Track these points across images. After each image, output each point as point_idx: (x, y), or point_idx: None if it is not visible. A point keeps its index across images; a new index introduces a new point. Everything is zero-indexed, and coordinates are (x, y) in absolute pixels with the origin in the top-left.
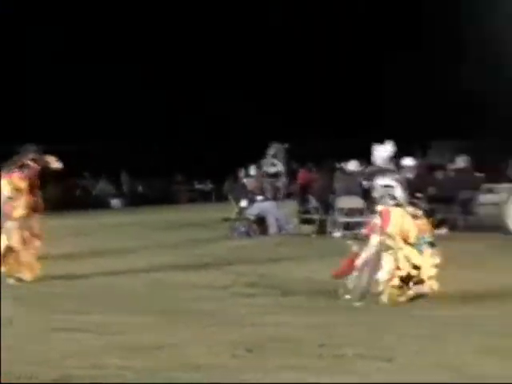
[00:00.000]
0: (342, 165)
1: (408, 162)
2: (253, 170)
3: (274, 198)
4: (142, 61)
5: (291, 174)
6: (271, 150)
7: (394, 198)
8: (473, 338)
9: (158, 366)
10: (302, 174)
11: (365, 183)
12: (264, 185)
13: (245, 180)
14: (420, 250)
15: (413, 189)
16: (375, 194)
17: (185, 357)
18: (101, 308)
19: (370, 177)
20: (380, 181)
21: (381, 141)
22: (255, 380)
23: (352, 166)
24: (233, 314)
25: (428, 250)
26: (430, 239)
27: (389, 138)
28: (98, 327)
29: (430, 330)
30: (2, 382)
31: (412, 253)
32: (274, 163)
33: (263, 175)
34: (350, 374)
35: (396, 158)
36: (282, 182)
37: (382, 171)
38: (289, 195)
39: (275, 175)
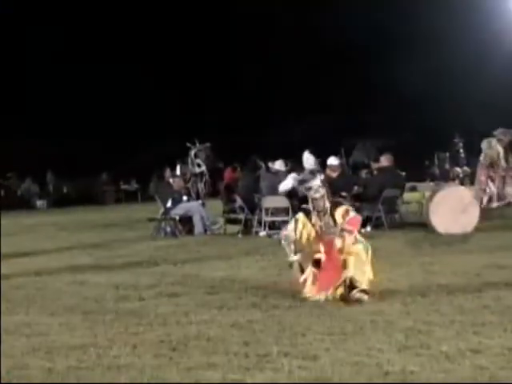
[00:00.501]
0: (269, 164)
1: (332, 161)
2: (178, 170)
3: (198, 198)
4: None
5: (217, 173)
6: (192, 150)
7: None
8: (395, 336)
9: (81, 366)
10: (228, 174)
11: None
12: (189, 184)
13: (170, 180)
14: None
15: (337, 188)
16: (315, 195)
17: (108, 357)
18: (24, 309)
19: (304, 182)
20: (315, 181)
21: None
22: (179, 379)
23: (277, 165)
24: (157, 313)
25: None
26: None
27: (313, 137)
28: (21, 328)
29: (354, 327)
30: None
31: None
32: (198, 163)
33: (188, 174)
34: (275, 372)
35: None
36: (204, 182)
37: (313, 173)
38: (214, 194)
39: (199, 175)
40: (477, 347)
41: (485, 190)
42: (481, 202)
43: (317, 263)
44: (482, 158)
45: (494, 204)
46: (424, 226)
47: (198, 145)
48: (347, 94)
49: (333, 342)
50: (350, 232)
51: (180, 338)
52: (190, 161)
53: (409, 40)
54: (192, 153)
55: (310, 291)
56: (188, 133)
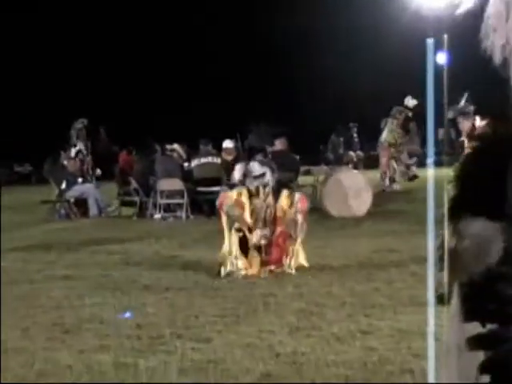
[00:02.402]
0: (167, 146)
1: (227, 143)
2: (73, 152)
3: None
4: None
5: (112, 156)
6: (73, 130)
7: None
8: (287, 318)
9: None
10: (123, 157)
11: (185, 165)
12: (84, 166)
13: (65, 161)
14: None
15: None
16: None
17: None
18: None
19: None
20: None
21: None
22: (71, 362)
23: (175, 148)
24: (50, 296)
25: None
26: None
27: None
28: None
29: (247, 310)
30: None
31: None
32: (75, 144)
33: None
34: (167, 355)
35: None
36: (87, 162)
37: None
38: (109, 177)
39: (77, 155)
40: (367, 329)
41: (386, 173)
42: (384, 185)
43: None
44: (381, 139)
45: (396, 186)
46: (318, 209)
47: (74, 124)
48: (243, 80)
49: (225, 325)
50: None
51: (73, 321)
52: (71, 141)
53: (307, 30)
54: (73, 132)
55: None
56: (84, 114)
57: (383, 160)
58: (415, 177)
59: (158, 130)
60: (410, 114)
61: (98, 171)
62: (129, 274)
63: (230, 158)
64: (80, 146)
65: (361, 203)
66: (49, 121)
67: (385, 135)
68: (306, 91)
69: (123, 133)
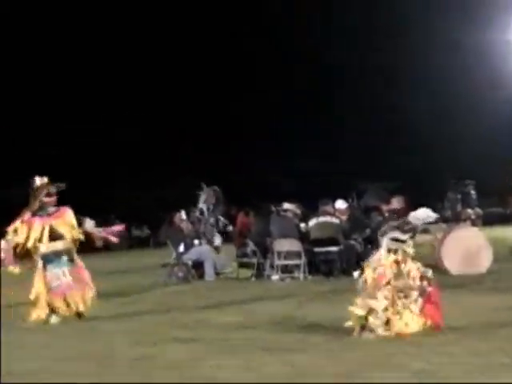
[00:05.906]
0: (280, 207)
1: (340, 204)
2: (183, 214)
3: (209, 242)
4: None
5: (230, 219)
6: (202, 195)
7: None
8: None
9: None
10: (240, 218)
11: (302, 226)
12: (201, 229)
13: (182, 224)
14: None
15: (348, 231)
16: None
17: None
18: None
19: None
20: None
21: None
22: None
23: (286, 205)
24: (170, 358)
25: None
26: None
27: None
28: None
29: (371, 367)
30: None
31: None
32: (200, 208)
33: (198, 220)
34: None
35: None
36: (209, 226)
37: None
38: (226, 239)
39: (200, 220)
40: None
41: None
42: None
43: None
44: None
45: None
46: (435, 267)
47: (206, 188)
48: (352, 139)
49: None
50: None
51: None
52: (199, 205)
53: (415, 80)
54: (202, 196)
55: None
56: (193, 176)
57: None
58: None
59: (272, 191)
60: None
61: (218, 237)
62: (247, 336)
63: (343, 217)
64: (203, 207)
65: (481, 261)
66: (164, 184)
67: None
68: (419, 150)
69: (239, 194)
